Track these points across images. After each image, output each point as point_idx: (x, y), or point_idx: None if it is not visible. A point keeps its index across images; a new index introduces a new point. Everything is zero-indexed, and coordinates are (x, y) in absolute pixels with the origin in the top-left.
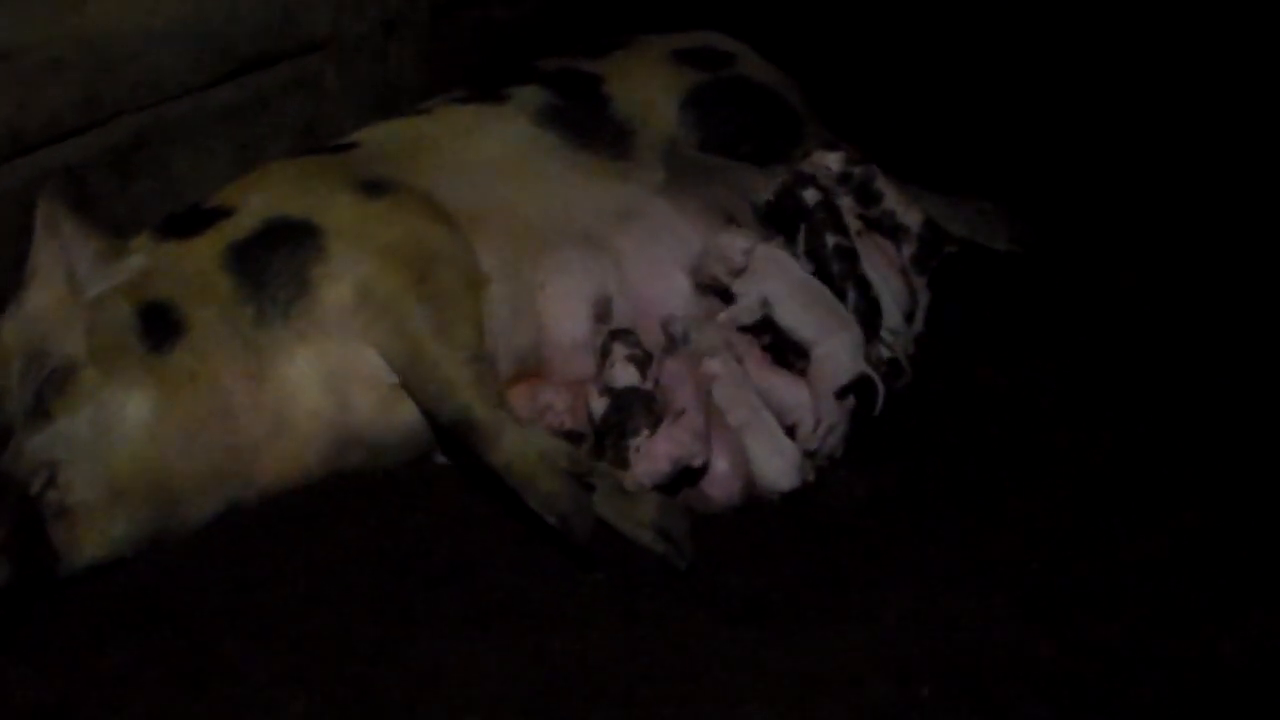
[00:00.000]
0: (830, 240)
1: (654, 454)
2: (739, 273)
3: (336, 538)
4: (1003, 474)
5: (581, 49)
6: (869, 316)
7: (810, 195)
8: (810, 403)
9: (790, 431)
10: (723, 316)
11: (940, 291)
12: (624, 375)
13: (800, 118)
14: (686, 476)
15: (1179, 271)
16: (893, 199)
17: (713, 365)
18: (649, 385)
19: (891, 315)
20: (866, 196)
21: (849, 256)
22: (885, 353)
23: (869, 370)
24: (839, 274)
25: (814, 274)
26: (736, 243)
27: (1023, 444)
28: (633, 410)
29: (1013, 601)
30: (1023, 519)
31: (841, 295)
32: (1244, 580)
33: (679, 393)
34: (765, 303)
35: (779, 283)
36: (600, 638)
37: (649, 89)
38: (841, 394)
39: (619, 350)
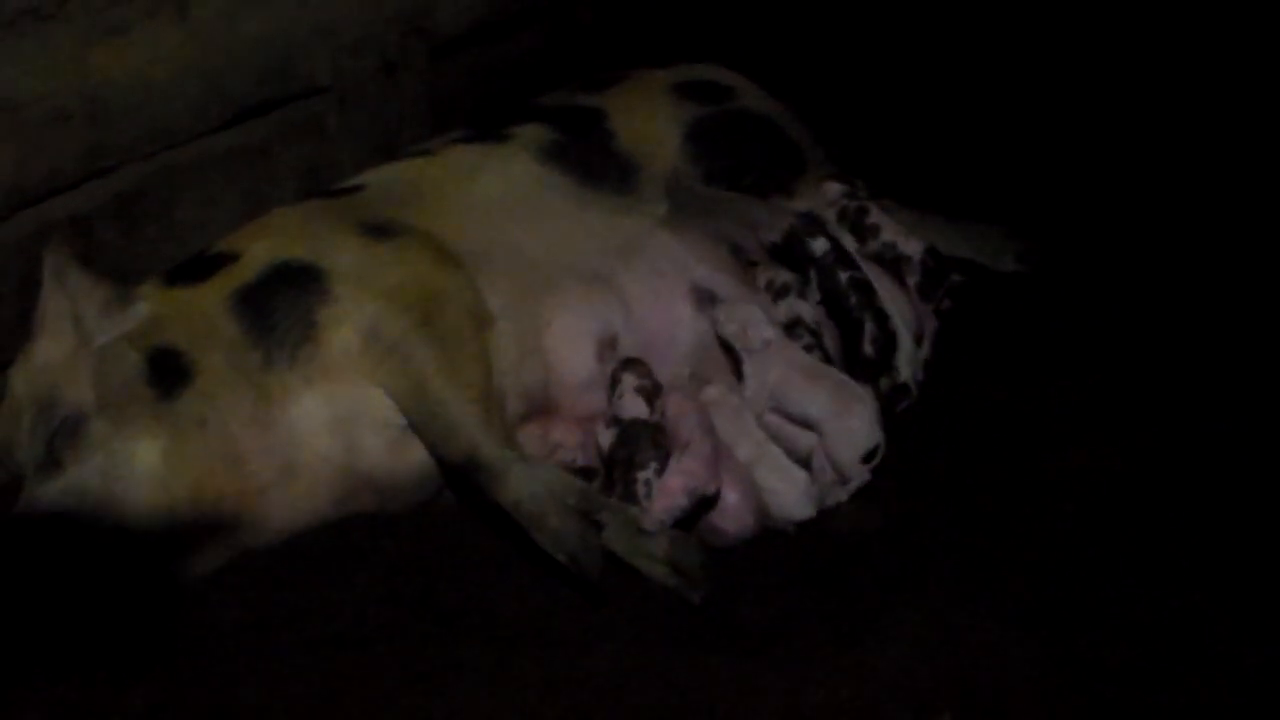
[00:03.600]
0: (844, 275)
1: (669, 490)
2: (750, 351)
3: (350, 580)
4: (1015, 497)
5: (582, 84)
6: (885, 349)
7: (819, 246)
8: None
9: (804, 461)
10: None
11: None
12: (632, 406)
13: (801, 148)
14: (700, 507)
15: (1185, 288)
16: (891, 230)
17: (710, 392)
18: (656, 417)
19: (905, 343)
20: (861, 232)
21: (865, 289)
22: (895, 378)
23: (882, 442)
24: (856, 307)
25: (829, 308)
26: (761, 329)
27: (1034, 466)
28: (640, 443)
29: (1029, 625)
30: (1037, 542)
31: (859, 327)
32: (1262, 596)
33: (685, 426)
34: (773, 390)
35: (790, 371)
36: (616, 673)
37: (651, 123)
38: (864, 460)
39: (629, 380)
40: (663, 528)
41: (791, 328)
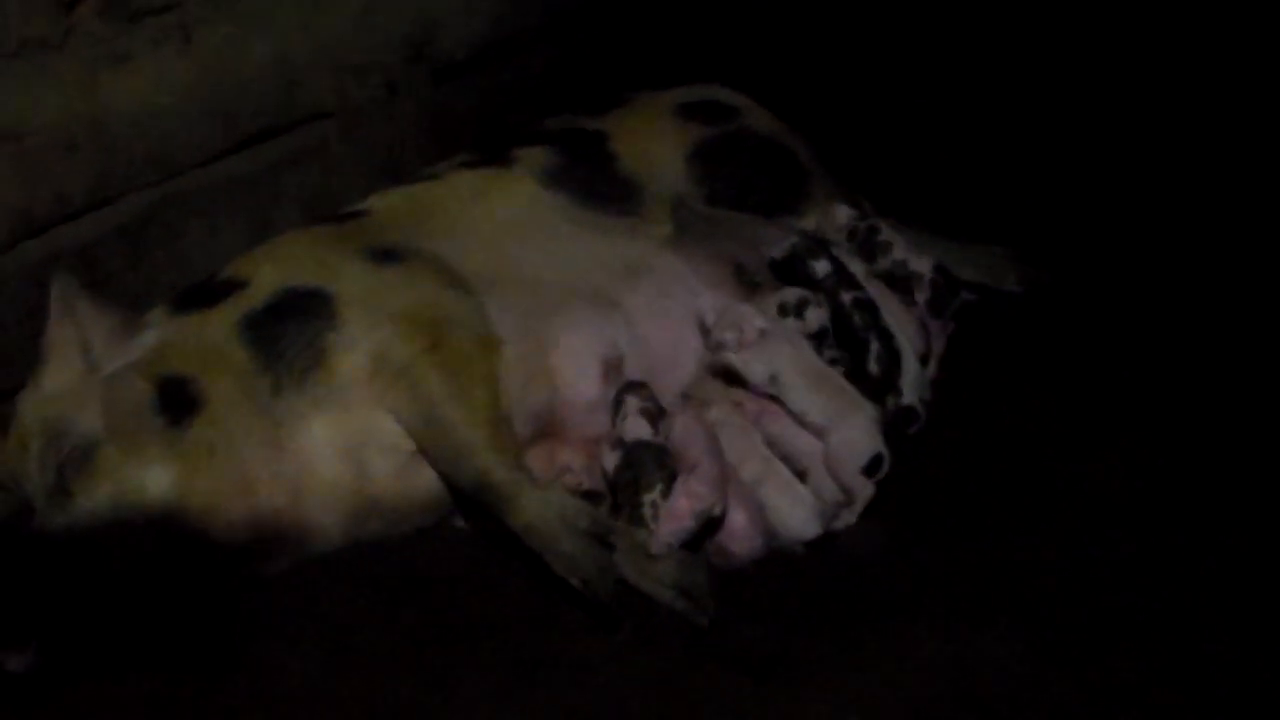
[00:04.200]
0: (847, 296)
1: (676, 513)
2: (748, 346)
3: (359, 605)
4: (1021, 516)
5: (586, 107)
6: (889, 367)
7: (821, 267)
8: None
9: (802, 477)
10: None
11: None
12: (635, 428)
13: (806, 169)
14: (707, 528)
15: (1189, 305)
16: (902, 248)
17: (712, 414)
18: (660, 439)
19: (909, 363)
20: (871, 251)
21: (868, 308)
22: (902, 400)
23: (884, 449)
24: (861, 326)
25: (834, 326)
26: (754, 319)
27: (1040, 485)
28: (645, 465)
29: (1035, 643)
30: (1042, 560)
31: (865, 347)
32: (1271, 613)
33: (691, 447)
34: (774, 380)
35: (789, 365)
36: (625, 697)
37: (655, 145)
38: (867, 472)
39: (632, 403)
40: (670, 550)
41: (821, 338)
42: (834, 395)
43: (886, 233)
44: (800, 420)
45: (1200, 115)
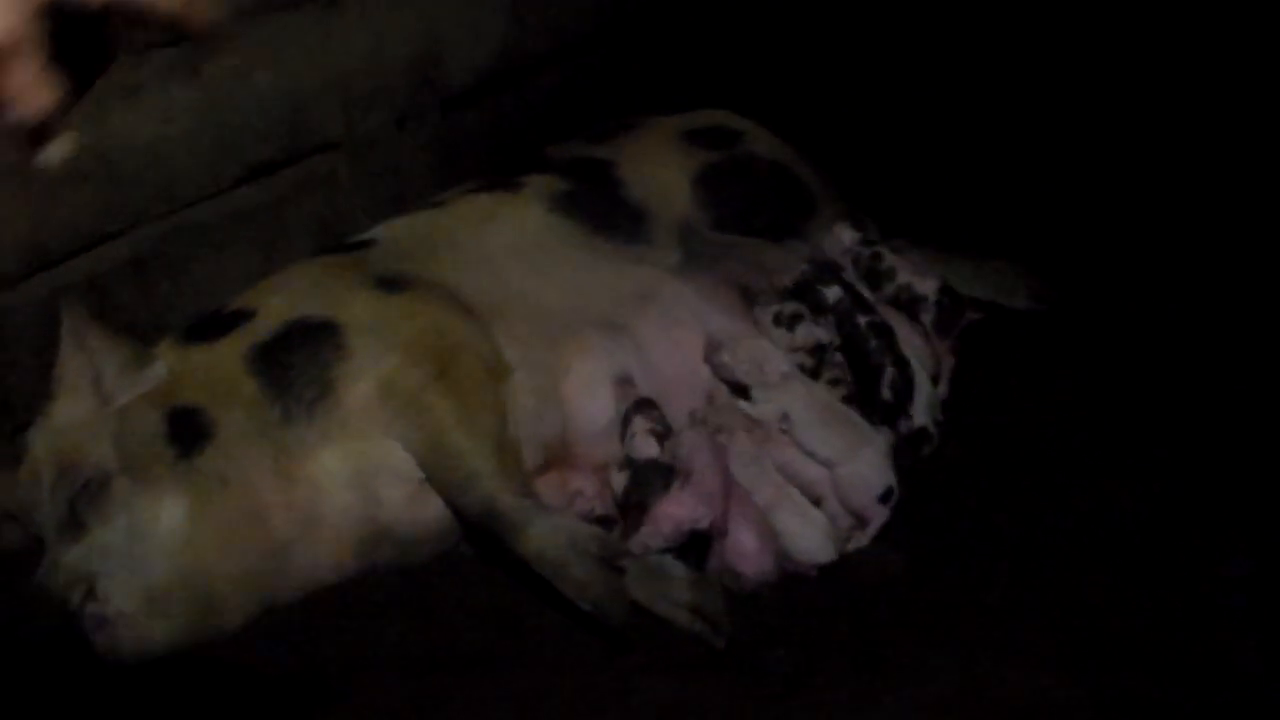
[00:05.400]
0: (862, 320)
1: (656, 517)
2: (768, 387)
3: (367, 633)
4: (1037, 534)
5: (592, 134)
6: (903, 393)
7: (833, 293)
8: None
9: (817, 503)
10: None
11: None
12: (644, 447)
13: (813, 191)
14: (700, 544)
15: (1201, 319)
16: (906, 272)
17: (722, 437)
18: (668, 459)
19: (922, 385)
20: (875, 278)
21: (885, 333)
22: (914, 422)
23: (894, 482)
24: (876, 351)
25: (846, 353)
26: (777, 364)
27: (1056, 503)
28: (652, 485)
29: (1057, 663)
30: (1062, 578)
31: (879, 372)
32: None
33: (696, 463)
34: (785, 418)
35: (800, 405)
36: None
37: (661, 171)
38: (881, 500)
39: (640, 422)
40: (682, 571)
41: (820, 353)
42: (843, 432)
43: (889, 258)
44: (809, 455)
45: (1208, 130)
